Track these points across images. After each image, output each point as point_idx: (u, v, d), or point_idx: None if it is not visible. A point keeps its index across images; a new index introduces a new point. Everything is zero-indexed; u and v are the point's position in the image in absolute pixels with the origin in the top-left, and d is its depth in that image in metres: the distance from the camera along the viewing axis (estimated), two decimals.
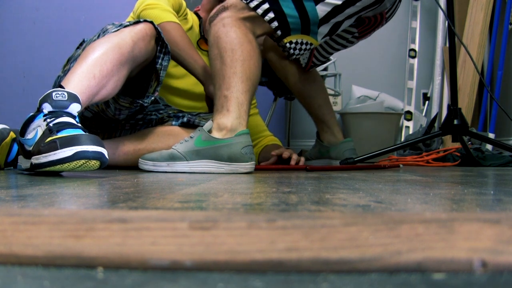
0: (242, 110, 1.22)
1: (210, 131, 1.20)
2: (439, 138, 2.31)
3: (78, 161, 0.88)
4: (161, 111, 1.54)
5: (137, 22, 1.25)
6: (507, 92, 2.58)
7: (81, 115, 1.40)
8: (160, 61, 1.32)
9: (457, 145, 1.88)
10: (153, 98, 1.35)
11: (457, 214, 0.33)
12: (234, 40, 1.24)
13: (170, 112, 1.53)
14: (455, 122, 1.70)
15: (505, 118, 2.28)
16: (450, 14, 1.69)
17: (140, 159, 1.24)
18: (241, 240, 0.30)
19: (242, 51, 1.24)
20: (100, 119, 1.46)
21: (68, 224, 0.32)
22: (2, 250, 0.31)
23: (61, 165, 0.89)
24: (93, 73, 1.12)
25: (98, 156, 0.90)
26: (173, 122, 1.44)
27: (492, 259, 0.29)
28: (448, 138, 2.34)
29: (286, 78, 1.78)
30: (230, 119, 1.20)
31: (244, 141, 1.19)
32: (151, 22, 1.27)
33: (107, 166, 1.38)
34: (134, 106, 1.35)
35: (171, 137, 1.40)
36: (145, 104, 1.34)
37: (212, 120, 1.23)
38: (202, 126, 1.30)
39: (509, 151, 1.88)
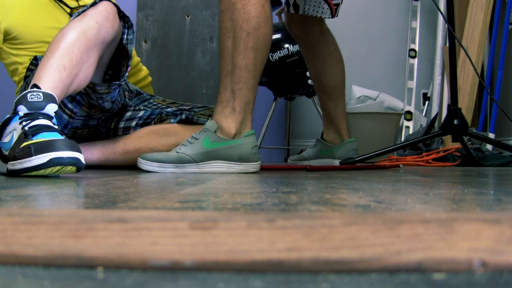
0: (249, 110, 1.20)
1: (215, 131, 1.20)
2: (439, 138, 2.31)
3: (53, 167, 0.87)
4: (149, 105, 1.54)
5: (96, 3, 1.23)
6: (507, 92, 2.58)
7: (71, 127, 1.40)
8: (125, 36, 1.31)
9: (457, 145, 1.88)
10: (127, 74, 1.34)
11: (457, 214, 0.33)
12: (252, 19, 1.15)
13: (160, 104, 1.54)
14: (455, 122, 1.70)
15: (505, 118, 2.28)
16: (450, 15, 1.68)
17: (139, 159, 1.22)
18: (241, 240, 0.30)
19: (257, 38, 1.16)
20: (90, 130, 1.46)
21: (68, 224, 0.32)
22: (2, 250, 0.31)
23: (37, 171, 0.88)
24: (63, 64, 1.10)
25: (73, 162, 0.88)
26: (172, 120, 1.45)
27: (492, 259, 0.29)
28: (448, 138, 2.34)
29: (309, 58, 1.73)
30: (235, 123, 1.18)
31: (252, 141, 1.21)
32: (109, 0, 1.25)
33: (107, 166, 1.39)
34: (113, 89, 1.33)
35: (172, 136, 1.40)
36: (122, 83, 1.33)
37: (212, 117, 1.22)
38: (201, 123, 1.30)
39: (509, 151, 1.87)
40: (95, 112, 1.40)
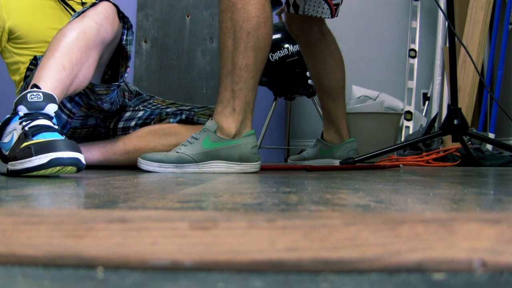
0: (249, 110, 1.20)
1: (215, 131, 1.20)
2: (439, 138, 2.31)
3: (53, 168, 0.87)
4: (148, 105, 1.54)
5: (95, 3, 1.24)
6: (507, 92, 2.58)
7: (70, 127, 1.40)
8: (125, 37, 1.31)
9: (457, 145, 1.88)
10: (126, 75, 1.34)
11: (457, 214, 0.33)
12: (252, 19, 1.15)
13: (160, 105, 1.54)
14: (455, 122, 1.70)
15: (505, 118, 2.28)
16: (450, 15, 1.69)
17: (139, 159, 1.22)
18: (241, 240, 0.30)
19: (258, 37, 1.16)
20: (89, 130, 1.46)
21: (68, 224, 0.32)
22: (2, 250, 0.31)
23: (37, 171, 0.88)
24: (63, 64, 1.10)
25: (73, 162, 0.88)
26: (171, 120, 1.45)
27: (492, 259, 0.29)
28: (448, 138, 2.34)
29: (309, 58, 1.72)
30: (235, 123, 1.19)
31: (252, 141, 1.22)
32: (108, 0, 1.25)
33: (107, 166, 1.39)
34: (112, 90, 1.34)
35: (172, 136, 1.40)
36: (121, 84, 1.34)
37: (212, 117, 1.22)
38: (201, 123, 1.29)
39: (509, 151, 1.88)
40: (93, 112, 1.40)
